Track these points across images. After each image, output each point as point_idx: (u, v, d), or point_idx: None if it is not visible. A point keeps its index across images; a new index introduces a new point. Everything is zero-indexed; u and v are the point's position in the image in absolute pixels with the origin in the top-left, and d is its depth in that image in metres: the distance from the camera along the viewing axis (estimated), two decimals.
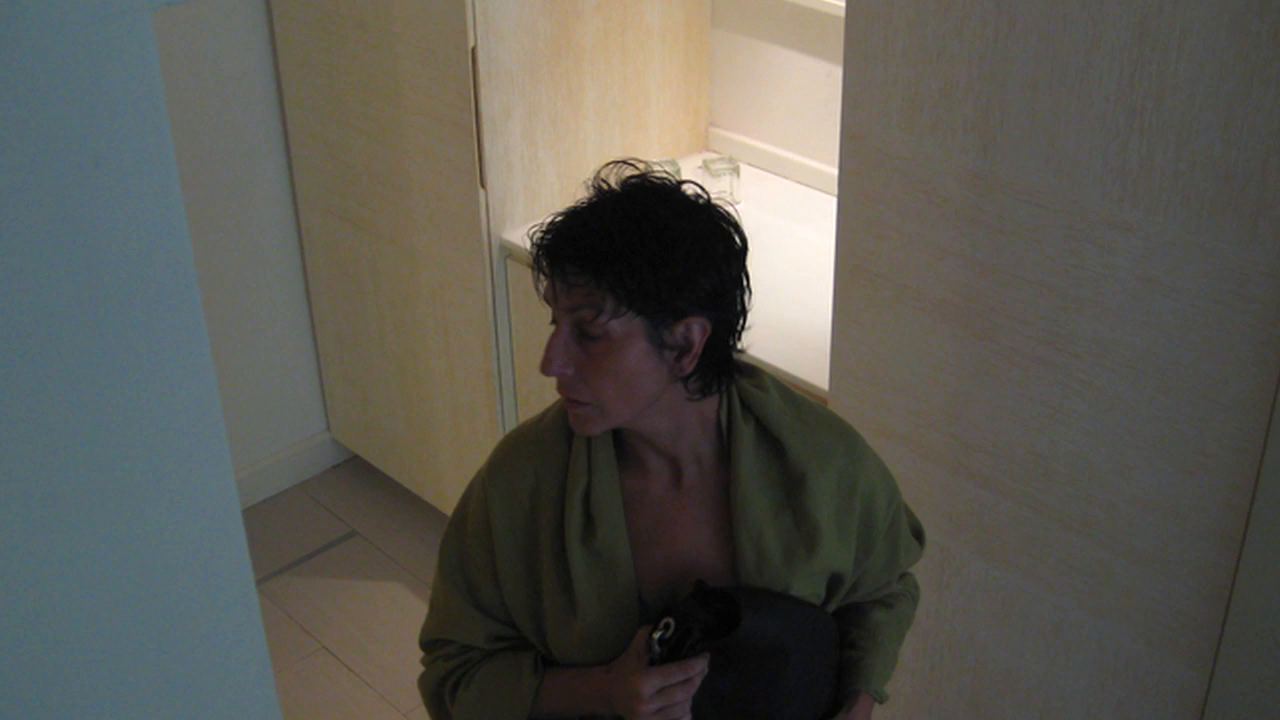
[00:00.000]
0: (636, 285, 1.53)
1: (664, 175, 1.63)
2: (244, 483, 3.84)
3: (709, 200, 1.62)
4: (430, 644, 1.84)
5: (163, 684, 0.98)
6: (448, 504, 3.63)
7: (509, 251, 3.13)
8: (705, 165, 3.25)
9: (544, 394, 3.20)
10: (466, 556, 1.76)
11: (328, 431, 4.02)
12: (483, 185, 3.06)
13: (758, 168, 3.38)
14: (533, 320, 3.16)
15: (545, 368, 1.59)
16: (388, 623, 3.53)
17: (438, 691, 1.82)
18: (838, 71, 2.42)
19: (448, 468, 3.57)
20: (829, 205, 3.13)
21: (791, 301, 2.87)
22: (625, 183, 1.61)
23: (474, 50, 2.93)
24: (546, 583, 1.70)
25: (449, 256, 3.23)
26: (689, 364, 1.60)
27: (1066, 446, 2.16)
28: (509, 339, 3.24)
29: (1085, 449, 2.14)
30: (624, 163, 1.64)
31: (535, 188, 3.16)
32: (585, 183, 1.63)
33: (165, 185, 0.60)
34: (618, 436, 1.71)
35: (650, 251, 1.53)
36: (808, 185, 3.30)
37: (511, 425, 3.34)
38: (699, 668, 1.62)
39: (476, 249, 3.14)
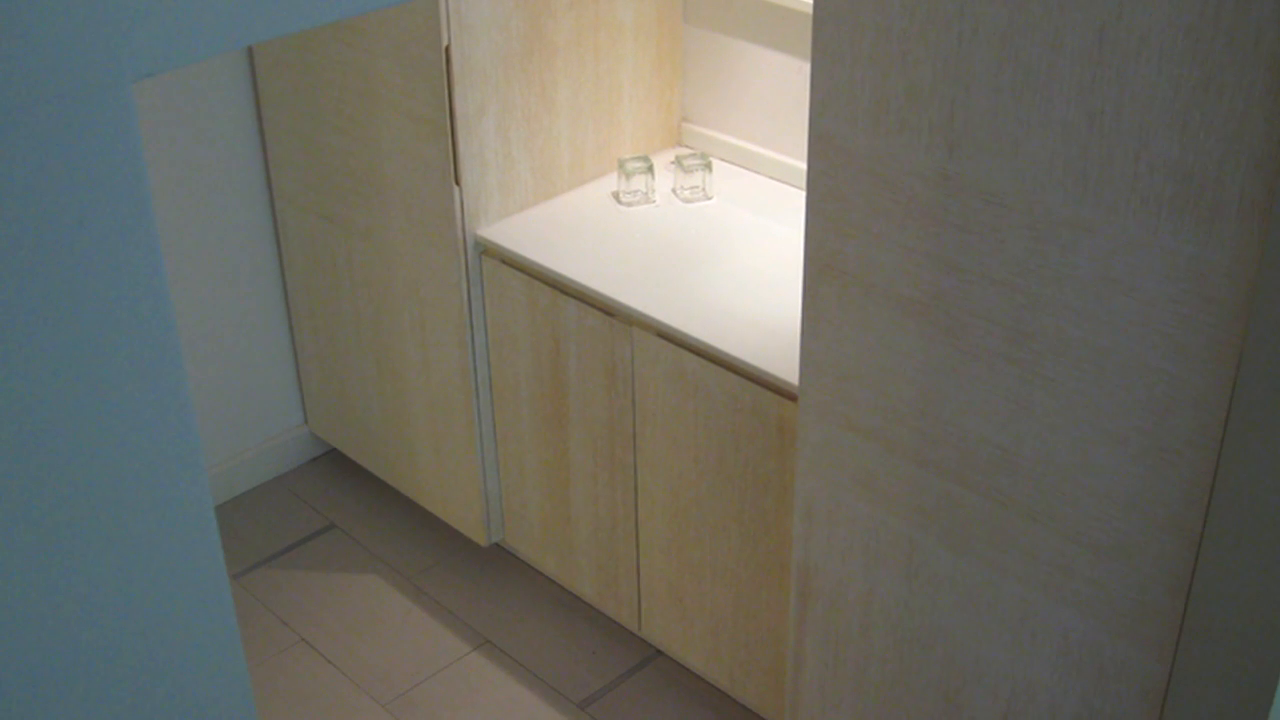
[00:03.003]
0: None
1: None
2: (222, 476, 3.87)
3: None
4: None
5: (136, 676, 1.01)
6: (425, 497, 3.66)
7: (484, 247, 3.16)
8: (678, 161, 3.28)
9: (519, 389, 3.24)
10: None
11: (305, 425, 4.05)
12: (457, 182, 3.09)
13: (730, 163, 3.41)
14: (507, 316, 3.19)
15: None
16: (366, 615, 3.56)
17: None
18: (808, 68, 2.46)
19: (425, 461, 3.60)
20: (800, 200, 3.17)
21: (763, 296, 2.91)
22: None
23: (448, 48, 2.96)
24: None
25: (424, 252, 3.26)
26: None
27: (1030, 441, 2.20)
28: (484, 334, 3.27)
29: (1048, 443, 2.18)
30: None
31: (509, 184, 3.19)
32: None
33: (146, 241, 0.63)
34: None
35: None
36: (780, 180, 3.33)
37: (487, 420, 3.37)
38: None
39: (451, 245, 3.16)
